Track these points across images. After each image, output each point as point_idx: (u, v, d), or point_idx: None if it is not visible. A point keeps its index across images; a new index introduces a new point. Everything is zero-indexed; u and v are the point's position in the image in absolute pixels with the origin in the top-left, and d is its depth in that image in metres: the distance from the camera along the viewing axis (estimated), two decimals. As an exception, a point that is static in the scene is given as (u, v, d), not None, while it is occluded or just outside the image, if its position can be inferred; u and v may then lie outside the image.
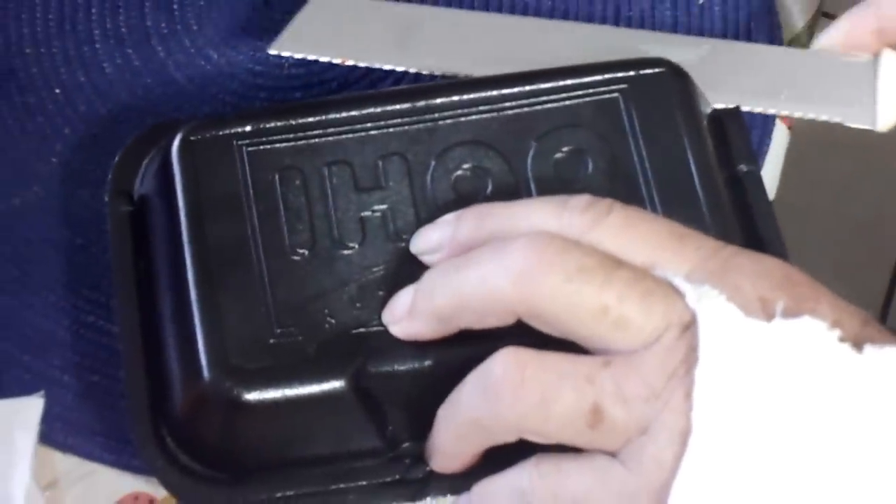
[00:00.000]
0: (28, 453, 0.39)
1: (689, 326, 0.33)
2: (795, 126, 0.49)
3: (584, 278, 0.33)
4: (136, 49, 0.49)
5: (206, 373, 0.37)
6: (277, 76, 0.49)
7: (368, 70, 0.48)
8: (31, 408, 0.40)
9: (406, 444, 0.38)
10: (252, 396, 0.36)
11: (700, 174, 0.40)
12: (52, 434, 0.43)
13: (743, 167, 0.42)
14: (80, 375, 0.44)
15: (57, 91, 0.48)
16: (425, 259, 0.38)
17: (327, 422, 0.37)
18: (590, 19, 0.50)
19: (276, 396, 0.37)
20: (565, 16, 0.50)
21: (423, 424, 0.37)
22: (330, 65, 0.48)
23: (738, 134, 0.43)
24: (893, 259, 1.15)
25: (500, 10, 0.50)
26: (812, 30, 0.51)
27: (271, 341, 0.37)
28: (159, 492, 0.43)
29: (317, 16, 0.47)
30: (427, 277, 0.37)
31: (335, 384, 0.37)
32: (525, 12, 0.50)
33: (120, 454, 0.43)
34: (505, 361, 0.34)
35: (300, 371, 0.37)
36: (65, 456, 0.43)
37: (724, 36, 0.50)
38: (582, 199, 0.36)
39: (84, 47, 0.49)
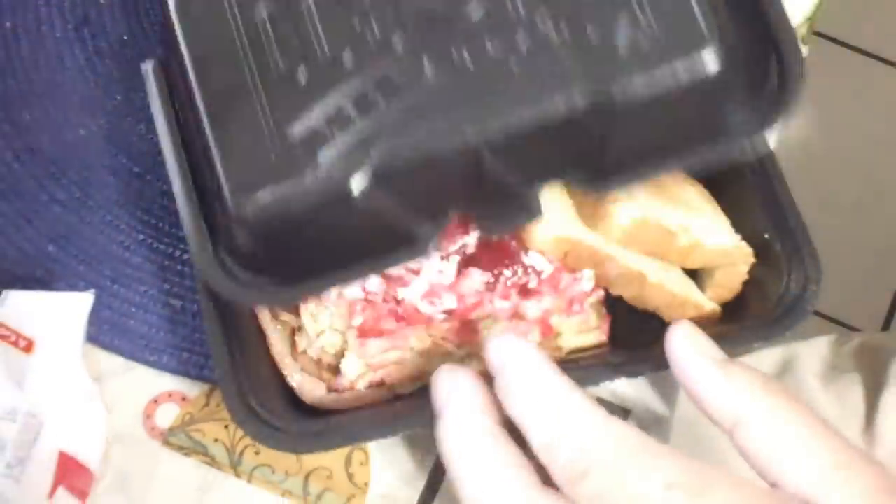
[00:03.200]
0: (79, 338, 0.45)
1: None
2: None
3: None
4: (198, 7, 0.54)
5: (229, 199, 0.38)
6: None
7: None
8: (83, 301, 0.45)
9: (422, 230, 0.40)
10: (265, 213, 0.37)
11: None
12: (100, 335, 0.48)
13: None
14: (129, 285, 0.48)
15: (125, 38, 0.52)
16: None
17: (344, 225, 0.39)
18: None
19: (290, 209, 0.37)
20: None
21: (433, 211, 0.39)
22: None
23: None
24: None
25: None
26: (811, 25, 0.54)
27: (276, 159, 0.37)
28: (191, 391, 0.48)
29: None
30: None
31: (343, 188, 0.37)
32: None
33: (159, 356, 0.48)
34: None
35: (308, 182, 0.37)
36: (110, 355, 0.48)
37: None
38: (567, 452, 0.33)
39: (147, 3, 0.53)
